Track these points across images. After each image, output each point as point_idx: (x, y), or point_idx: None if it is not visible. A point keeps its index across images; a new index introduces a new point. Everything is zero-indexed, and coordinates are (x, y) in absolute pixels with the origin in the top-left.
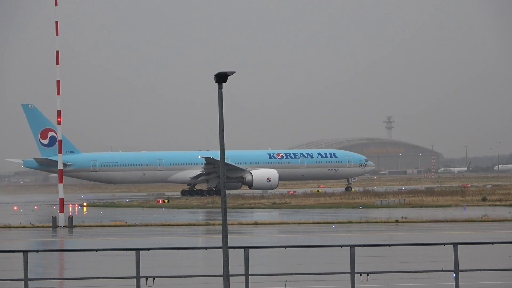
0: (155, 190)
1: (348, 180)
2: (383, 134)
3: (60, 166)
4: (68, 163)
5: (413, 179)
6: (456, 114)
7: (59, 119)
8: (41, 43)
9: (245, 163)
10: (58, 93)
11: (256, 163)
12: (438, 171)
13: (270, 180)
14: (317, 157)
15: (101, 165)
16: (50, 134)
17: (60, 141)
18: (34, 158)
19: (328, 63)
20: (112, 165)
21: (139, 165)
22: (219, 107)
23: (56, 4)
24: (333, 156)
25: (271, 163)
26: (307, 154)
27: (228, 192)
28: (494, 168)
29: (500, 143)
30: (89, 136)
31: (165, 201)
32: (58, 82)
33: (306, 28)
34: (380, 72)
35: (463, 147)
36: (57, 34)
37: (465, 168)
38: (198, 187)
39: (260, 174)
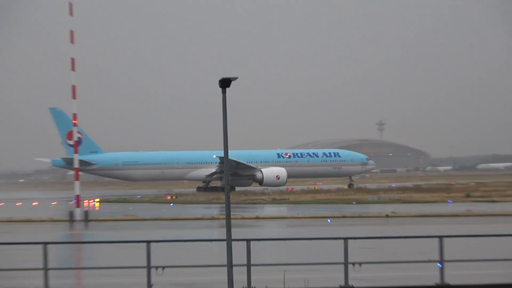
0: (164, 187)
1: (350, 177)
2: (375, 135)
3: (76, 165)
4: (93, 162)
5: (402, 177)
6: (442, 117)
7: (75, 122)
8: (67, 52)
9: (256, 162)
10: (74, 97)
11: (266, 162)
12: (426, 169)
13: (279, 178)
14: (322, 156)
15: (123, 164)
16: (77, 135)
17: (76, 142)
18: (61, 158)
19: (326, 71)
20: (133, 164)
21: (158, 164)
22: (223, 110)
23: (71, 14)
24: (337, 156)
25: (279, 162)
26: (313, 153)
27: (239, 188)
28: (477, 167)
29: (483, 144)
30: (112, 137)
31: (173, 197)
32: (73, 87)
33: (305, 38)
34: (373, 80)
35: (449, 147)
36: (72, 42)
37: (451, 167)
38: (212, 184)
39: (270, 172)
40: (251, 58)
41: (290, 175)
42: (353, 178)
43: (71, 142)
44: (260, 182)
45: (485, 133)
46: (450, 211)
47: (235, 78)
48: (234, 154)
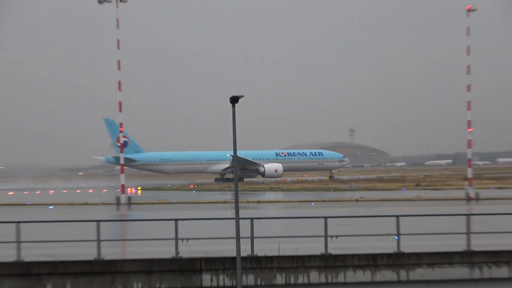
0: (189, 178)
1: (331, 171)
2: (348, 139)
3: (121, 162)
4: (136, 160)
5: (368, 170)
6: (399, 125)
7: (121, 129)
8: (116, 76)
9: (259, 159)
10: (120, 110)
11: (266, 159)
12: (386, 165)
13: (277, 171)
14: (309, 155)
15: (160, 161)
16: (123, 139)
17: (122, 144)
18: (113, 156)
19: (312, 90)
20: (167, 161)
21: (185, 160)
22: (233, 119)
23: (118, 48)
24: (320, 154)
25: (277, 159)
26: (302, 153)
27: (246, 179)
28: (425, 163)
29: (430, 145)
30: (151, 139)
31: (195, 186)
32: (120, 103)
33: (298, 60)
34: (346, 96)
35: (404, 148)
36: (119, 69)
37: (405, 163)
38: (226, 176)
39: (270, 167)
40: (257, 77)
41: (285, 169)
42: (332, 171)
43: (119, 144)
44: (263, 174)
45: (430, 137)
46: (404, 196)
47: (242, 96)
48: (242, 153)
